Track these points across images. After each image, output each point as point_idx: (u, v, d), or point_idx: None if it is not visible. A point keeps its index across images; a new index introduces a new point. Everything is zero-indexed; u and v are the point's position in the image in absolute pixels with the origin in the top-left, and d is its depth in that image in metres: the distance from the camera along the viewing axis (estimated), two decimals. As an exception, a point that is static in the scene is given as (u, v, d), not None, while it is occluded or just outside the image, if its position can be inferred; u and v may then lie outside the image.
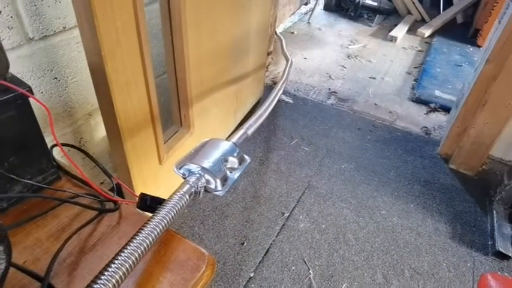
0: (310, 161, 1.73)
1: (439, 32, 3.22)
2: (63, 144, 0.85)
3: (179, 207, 0.66)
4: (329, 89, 2.29)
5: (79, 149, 0.82)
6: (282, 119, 1.98)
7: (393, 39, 3.04)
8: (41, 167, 0.70)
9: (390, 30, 3.12)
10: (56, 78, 1.13)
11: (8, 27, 0.95)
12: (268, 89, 2.20)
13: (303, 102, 2.13)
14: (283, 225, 1.42)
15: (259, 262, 1.28)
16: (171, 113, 1.38)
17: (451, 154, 1.81)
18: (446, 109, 2.18)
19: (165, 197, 0.70)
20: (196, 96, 1.35)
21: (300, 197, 1.54)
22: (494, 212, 1.52)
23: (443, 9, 3.42)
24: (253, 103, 2.04)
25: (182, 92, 1.28)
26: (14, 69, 1.01)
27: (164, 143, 1.26)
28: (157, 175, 1.25)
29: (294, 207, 1.49)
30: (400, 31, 3.11)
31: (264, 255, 1.31)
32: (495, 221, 1.47)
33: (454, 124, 1.75)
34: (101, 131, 1.36)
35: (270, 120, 1.96)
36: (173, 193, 0.69)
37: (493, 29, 1.69)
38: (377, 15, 3.29)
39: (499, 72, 1.49)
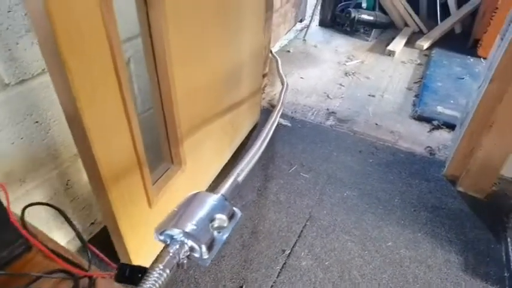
0: (310, 189, 1.65)
1: (438, 43, 3.17)
2: (35, 204, 0.77)
3: (159, 284, 0.59)
4: (327, 109, 2.22)
5: (51, 205, 0.74)
6: (280, 143, 1.91)
7: (391, 53, 2.98)
8: (6, 239, 0.63)
9: (388, 44, 3.06)
10: (37, 122, 1.06)
11: (-19, 75, 0.89)
12: (265, 112, 2.14)
13: (301, 125, 2.06)
14: (284, 263, 1.33)
15: (260, 307, 1.20)
16: (161, 149, 1.31)
17: (458, 176, 1.72)
18: (450, 126, 2.11)
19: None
20: (188, 131, 1.28)
21: (302, 230, 1.46)
22: (509, 239, 1.43)
23: (441, 20, 3.37)
24: (249, 129, 1.97)
25: (171, 129, 1.21)
26: (-11, 117, 0.96)
27: (153, 184, 1.18)
28: (148, 219, 1.17)
29: (295, 242, 1.41)
30: (397, 45, 3.06)
31: (265, 299, 1.23)
32: (510, 250, 1.39)
33: (459, 145, 1.67)
34: (88, 172, 1.29)
35: (267, 145, 1.88)
36: (151, 265, 0.62)
37: (496, 45, 1.63)
38: (373, 29, 3.24)
39: (504, 92, 1.41)
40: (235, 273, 1.28)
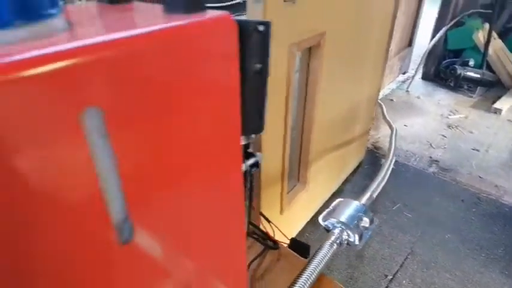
0: (412, 227, 1.77)
1: (550, 106, 3.09)
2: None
3: (330, 253, 0.81)
4: (430, 157, 2.33)
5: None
6: (385, 183, 2.06)
7: (497, 111, 2.99)
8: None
9: (493, 102, 3.08)
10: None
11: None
12: (369, 152, 2.32)
13: (404, 169, 2.20)
14: (387, 287, 1.47)
15: (363, 320, 1.35)
16: (291, 169, 1.56)
17: None
18: (561, 189, 2.08)
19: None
20: (314, 157, 1.53)
21: (403, 262, 1.58)
22: None
23: (555, 83, 3.29)
24: (355, 165, 2.17)
25: (304, 152, 1.47)
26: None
27: (285, 196, 1.43)
28: (277, 223, 1.41)
29: (397, 271, 1.54)
30: (505, 103, 3.06)
31: (368, 314, 1.37)
32: None
33: None
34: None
35: (370, 183, 2.05)
36: (323, 242, 0.85)
37: None
38: (478, 87, 3.28)
39: None
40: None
